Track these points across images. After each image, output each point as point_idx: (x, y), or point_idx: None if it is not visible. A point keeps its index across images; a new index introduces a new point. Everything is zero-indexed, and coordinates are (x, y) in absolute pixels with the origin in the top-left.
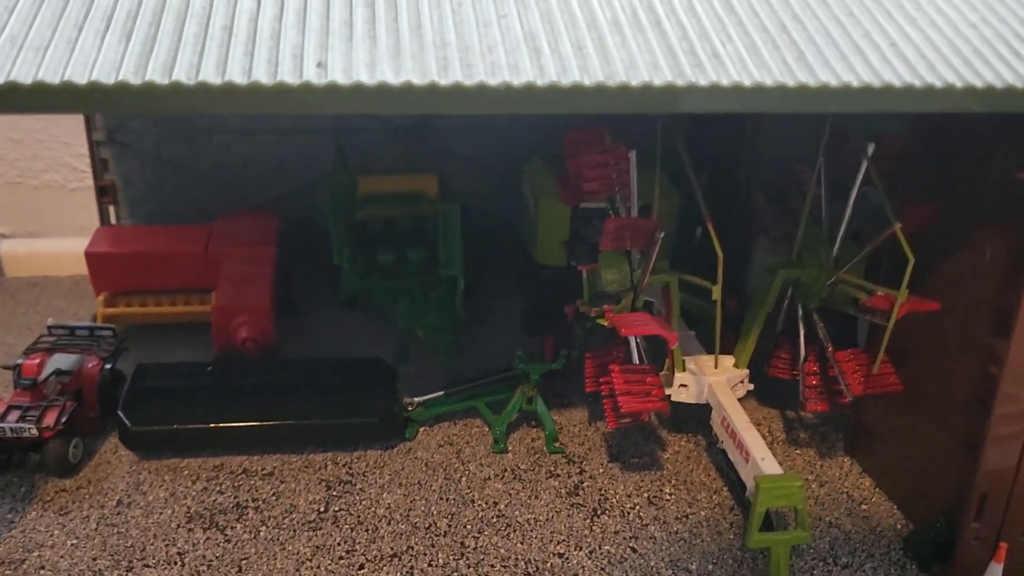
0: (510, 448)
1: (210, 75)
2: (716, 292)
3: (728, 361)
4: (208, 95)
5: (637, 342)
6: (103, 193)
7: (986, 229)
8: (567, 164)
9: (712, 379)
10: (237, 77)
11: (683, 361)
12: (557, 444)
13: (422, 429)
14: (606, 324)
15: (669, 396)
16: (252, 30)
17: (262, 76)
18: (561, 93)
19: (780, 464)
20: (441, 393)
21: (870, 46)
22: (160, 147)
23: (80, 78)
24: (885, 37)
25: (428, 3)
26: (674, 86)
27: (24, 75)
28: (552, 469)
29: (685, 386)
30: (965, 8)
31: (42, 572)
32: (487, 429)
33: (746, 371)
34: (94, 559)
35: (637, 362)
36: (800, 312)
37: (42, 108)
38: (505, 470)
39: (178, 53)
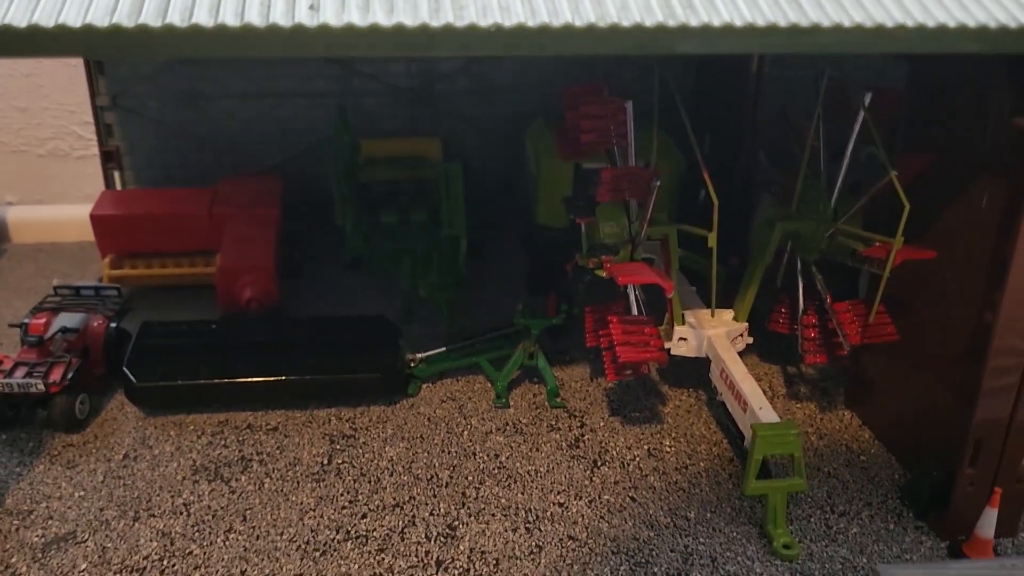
0: (512, 403)
1: (203, 17)
2: (712, 239)
3: (727, 315)
4: (200, 38)
5: (636, 295)
6: (108, 158)
7: (983, 177)
8: (566, 118)
9: (711, 332)
10: (229, 19)
11: (682, 315)
12: (558, 399)
13: (425, 386)
14: (604, 275)
15: (668, 349)
16: None
17: (255, 18)
18: (552, 34)
19: (777, 414)
20: (443, 349)
21: None
22: (163, 111)
23: (74, 21)
24: None
25: None
26: (665, 27)
27: (19, 19)
28: (553, 423)
29: (684, 340)
30: None
31: (50, 522)
32: (489, 385)
33: (745, 324)
34: (101, 510)
35: (636, 314)
36: (799, 265)
37: (36, 52)
38: (507, 424)
39: None
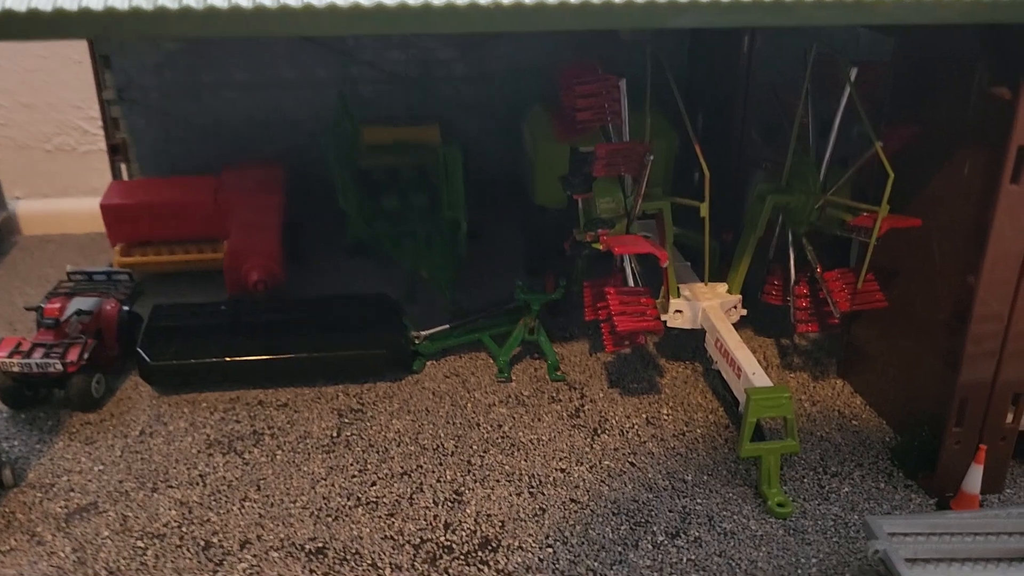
0: (514, 377)
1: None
2: (703, 209)
3: (721, 287)
4: (165, 19)
5: (632, 267)
6: (115, 151)
7: (965, 146)
8: (561, 97)
9: (706, 304)
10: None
11: (678, 288)
12: (559, 372)
13: (429, 363)
14: (601, 247)
15: (664, 321)
16: None
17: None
18: (546, 10)
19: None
20: (446, 327)
21: None
22: (167, 103)
23: (71, 4)
24: None
25: None
26: (655, 2)
27: (18, 3)
28: (554, 395)
29: (680, 312)
30: None
31: (71, 494)
32: (492, 361)
33: (739, 296)
34: (120, 482)
35: (633, 286)
36: (790, 238)
37: (36, 35)
38: (509, 397)
39: None
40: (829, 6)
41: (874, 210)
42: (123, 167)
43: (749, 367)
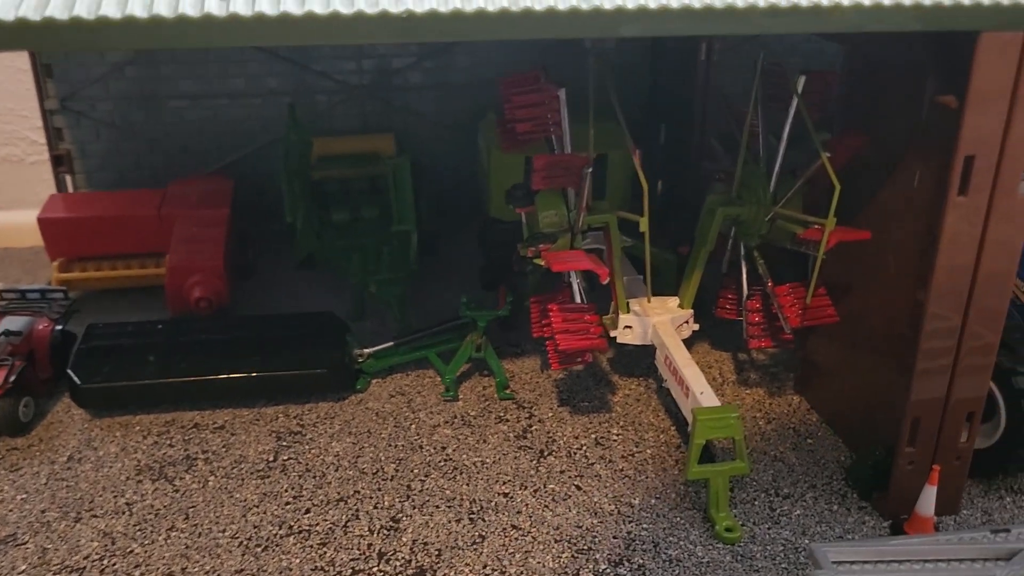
0: (461, 396)
1: (111, 9)
2: (643, 224)
3: (672, 301)
4: (108, 30)
5: (579, 284)
6: (59, 162)
7: (915, 157)
8: (504, 109)
9: (656, 319)
10: (138, 11)
11: (627, 303)
12: (507, 391)
13: (375, 381)
14: (542, 263)
15: (611, 336)
16: None
17: (163, 9)
18: (464, 19)
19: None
20: (391, 344)
21: None
22: (114, 114)
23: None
24: None
25: None
26: (601, 9)
27: None
28: (502, 415)
29: (630, 327)
30: None
31: None
32: (439, 379)
33: (690, 311)
34: (43, 511)
35: (578, 303)
36: (742, 251)
37: None
38: (455, 417)
39: None
40: (783, 13)
41: (822, 223)
42: (68, 179)
43: (697, 386)
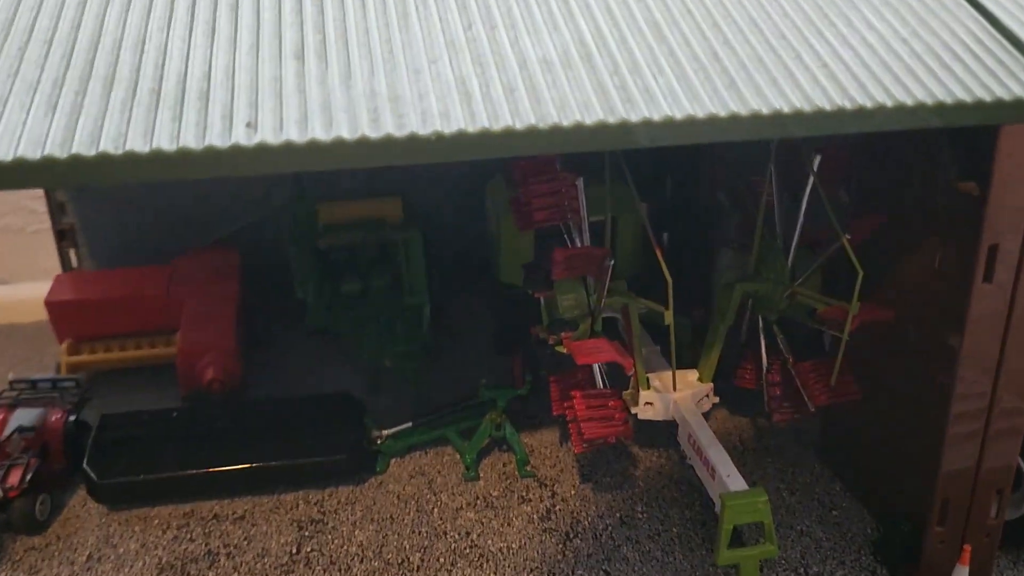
0: (482, 475)
1: (137, 143)
2: (668, 317)
3: (692, 375)
4: (135, 164)
5: (599, 366)
6: (62, 237)
7: (935, 237)
8: (518, 192)
9: (677, 395)
10: (165, 143)
11: (647, 379)
12: (528, 468)
13: (394, 460)
14: (564, 351)
15: (634, 416)
16: (180, 92)
17: (191, 141)
18: (492, 138)
19: (747, 478)
20: (409, 424)
21: (801, 69)
22: (117, 187)
23: (5, 155)
24: (816, 58)
25: (358, 52)
26: (606, 124)
27: None
28: (524, 494)
29: (651, 404)
30: (896, 22)
31: None
32: (458, 457)
33: (710, 385)
34: None
35: (600, 386)
36: (761, 323)
37: None
38: (477, 498)
39: (104, 121)
40: (787, 119)
41: (844, 305)
42: (72, 253)
43: (724, 468)
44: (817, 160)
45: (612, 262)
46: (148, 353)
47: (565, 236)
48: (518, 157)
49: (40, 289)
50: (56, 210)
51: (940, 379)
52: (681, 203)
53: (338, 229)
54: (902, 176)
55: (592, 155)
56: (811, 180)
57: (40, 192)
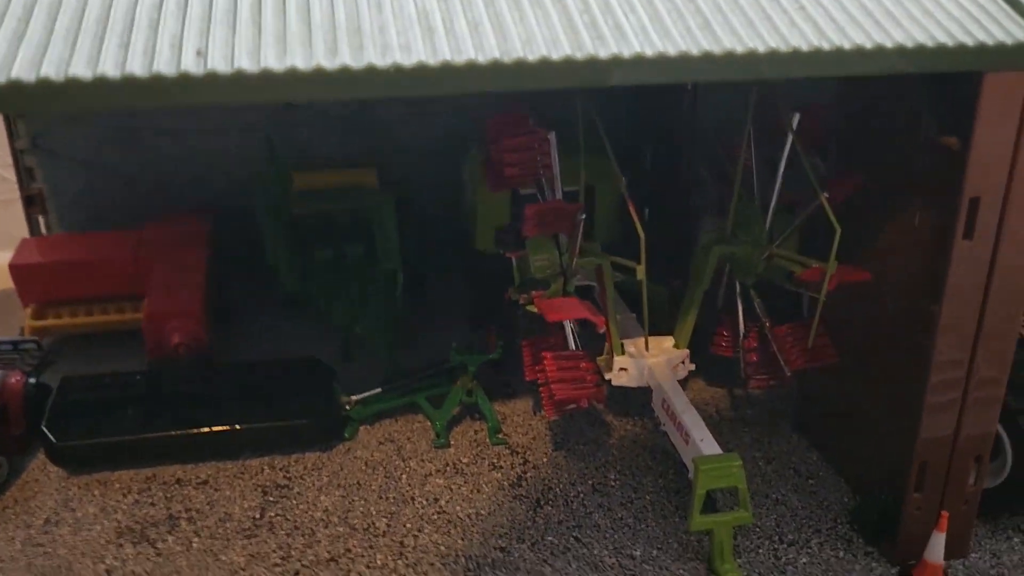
0: (452, 442)
1: (80, 69)
2: (640, 272)
3: (668, 342)
4: (78, 90)
5: (572, 328)
6: (31, 203)
7: (914, 195)
8: (490, 150)
9: (652, 361)
10: (110, 70)
11: (622, 344)
12: (500, 435)
13: (363, 427)
14: (535, 311)
15: (607, 381)
16: (129, 21)
17: (137, 68)
18: (454, 72)
19: (722, 447)
20: (379, 390)
21: (778, 11)
22: (88, 152)
23: None
24: (794, 0)
25: None
26: (573, 60)
27: None
28: (495, 461)
29: (625, 369)
30: None
31: None
32: (429, 424)
33: (686, 351)
34: None
35: (572, 348)
36: (738, 288)
37: None
38: (447, 465)
39: (48, 48)
40: (761, 59)
41: (822, 264)
42: (41, 220)
43: (697, 433)
44: (796, 119)
45: (584, 216)
46: (115, 318)
47: (539, 198)
48: (491, 114)
49: (7, 258)
50: (25, 175)
51: (919, 341)
52: (661, 175)
53: (312, 197)
54: (882, 135)
55: (570, 124)
56: (789, 139)
57: (10, 160)
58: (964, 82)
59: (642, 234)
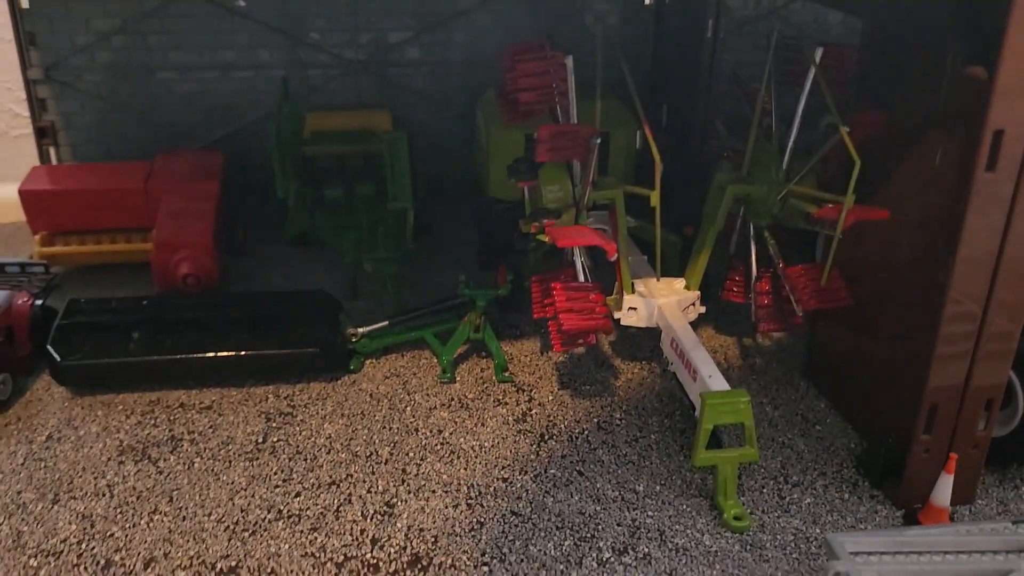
0: (458, 378)
1: None
2: (654, 198)
3: (679, 283)
4: None
5: (583, 262)
6: (43, 134)
7: (937, 132)
8: (506, 78)
9: (662, 301)
10: None
11: (632, 284)
12: (506, 373)
13: (369, 362)
14: (545, 239)
15: (614, 316)
16: None
17: None
18: None
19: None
20: (386, 323)
21: None
22: (100, 85)
23: None
24: None
25: None
26: None
27: None
28: (500, 398)
29: (635, 309)
30: None
31: None
32: (435, 360)
33: (697, 293)
34: (19, 492)
35: (582, 281)
36: (752, 231)
37: None
38: (452, 399)
39: None
40: None
41: (839, 200)
42: (52, 151)
43: (706, 369)
44: (819, 53)
45: (599, 140)
46: (123, 248)
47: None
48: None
49: (15, 191)
50: (37, 106)
51: (935, 282)
52: (677, 130)
53: (325, 137)
54: (905, 70)
55: (588, 73)
56: (811, 73)
57: (22, 95)
58: (993, 9)
59: (658, 160)
